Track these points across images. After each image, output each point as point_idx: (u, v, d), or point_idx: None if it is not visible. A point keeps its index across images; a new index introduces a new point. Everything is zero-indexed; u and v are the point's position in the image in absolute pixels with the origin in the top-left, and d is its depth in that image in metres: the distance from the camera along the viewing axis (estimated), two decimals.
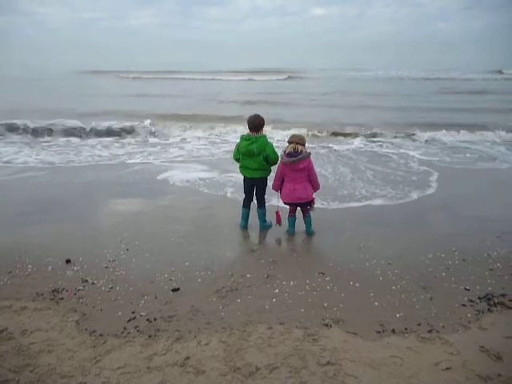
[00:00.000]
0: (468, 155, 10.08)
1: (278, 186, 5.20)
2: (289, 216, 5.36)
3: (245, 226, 5.57)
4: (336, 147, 10.93)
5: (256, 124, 5.06)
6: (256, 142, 5.01)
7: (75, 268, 4.45)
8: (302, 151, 4.92)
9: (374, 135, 12.45)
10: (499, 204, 6.49)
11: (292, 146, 4.95)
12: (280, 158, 5.05)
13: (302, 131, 11.99)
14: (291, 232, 5.38)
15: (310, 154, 4.99)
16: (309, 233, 5.35)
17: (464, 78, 37.05)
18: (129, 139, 12.19)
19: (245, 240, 5.32)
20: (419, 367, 2.92)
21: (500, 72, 44.22)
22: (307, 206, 5.21)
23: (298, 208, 5.31)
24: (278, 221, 5.35)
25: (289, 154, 4.94)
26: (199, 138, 12.23)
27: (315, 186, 5.15)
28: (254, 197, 5.47)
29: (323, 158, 9.75)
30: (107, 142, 11.79)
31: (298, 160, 4.87)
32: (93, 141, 11.93)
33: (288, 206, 5.34)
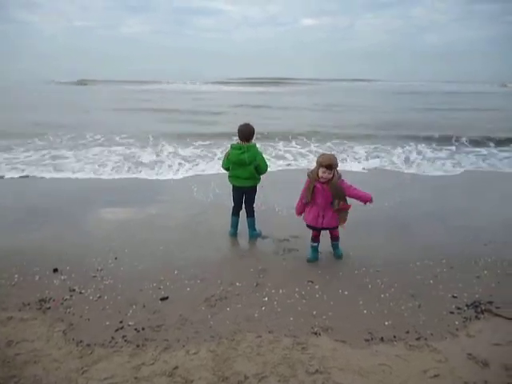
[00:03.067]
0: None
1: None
2: (314, 240, 4.89)
3: (234, 233, 5.56)
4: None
5: (246, 133, 5.08)
6: (247, 152, 5.02)
7: (62, 277, 4.40)
8: (333, 176, 4.40)
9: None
10: (486, 213, 6.57)
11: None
12: (309, 179, 4.51)
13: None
14: (313, 258, 4.88)
15: (340, 175, 4.50)
16: (339, 256, 4.93)
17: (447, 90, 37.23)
18: None
19: (234, 248, 5.31)
20: (408, 375, 2.93)
21: (504, 85, 43.10)
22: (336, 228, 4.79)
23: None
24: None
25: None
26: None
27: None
28: (243, 205, 5.47)
29: None
30: None
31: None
32: None
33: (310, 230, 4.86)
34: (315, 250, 4.90)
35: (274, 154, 10.98)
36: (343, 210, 4.58)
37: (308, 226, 4.80)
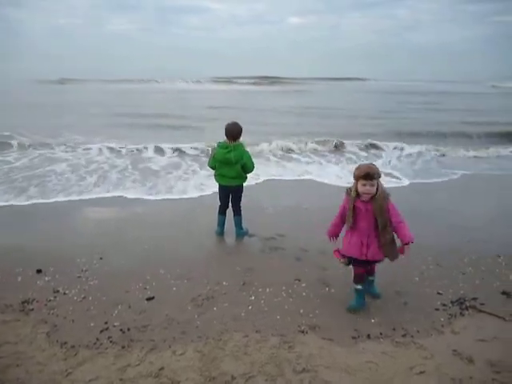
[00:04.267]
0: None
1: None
2: (358, 280, 3.83)
3: (221, 232, 5.54)
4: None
5: (234, 132, 5.05)
6: (234, 151, 5.00)
7: (46, 278, 4.32)
8: (379, 188, 3.50)
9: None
10: (469, 211, 6.65)
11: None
12: (348, 197, 3.63)
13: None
14: (359, 305, 3.83)
15: (388, 194, 3.59)
16: (376, 294, 4.02)
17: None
18: None
19: (221, 247, 5.29)
20: (394, 372, 2.94)
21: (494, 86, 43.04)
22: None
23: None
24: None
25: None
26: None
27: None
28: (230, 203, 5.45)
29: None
30: None
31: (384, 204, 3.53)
32: None
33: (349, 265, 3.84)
34: (361, 295, 3.83)
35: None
36: (398, 254, 3.64)
37: (349, 258, 3.74)
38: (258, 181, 8.11)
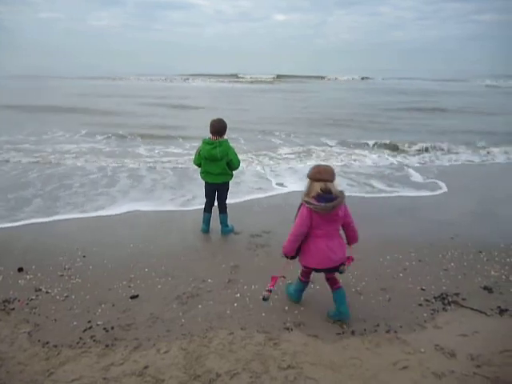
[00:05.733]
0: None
1: (295, 247, 3.50)
2: (304, 281, 3.81)
3: (206, 230, 5.52)
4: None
5: (219, 128, 5.03)
6: (219, 147, 4.98)
7: (28, 277, 4.25)
8: (335, 192, 3.34)
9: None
10: (454, 207, 6.74)
11: (321, 184, 3.32)
12: (304, 202, 3.37)
13: None
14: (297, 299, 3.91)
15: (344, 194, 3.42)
16: (346, 314, 3.60)
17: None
18: None
19: (206, 245, 5.27)
20: (378, 368, 2.97)
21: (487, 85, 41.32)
22: (338, 270, 3.55)
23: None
24: (272, 285, 3.59)
25: (320, 198, 3.30)
26: None
27: (356, 238, 3.63)
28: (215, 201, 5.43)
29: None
30: None
31: (337, 205, 3.33)
32: None
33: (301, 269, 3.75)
34: (301, 293, 3.88)
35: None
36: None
37: (313, 269, 3.60)
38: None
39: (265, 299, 3.60)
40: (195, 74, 49.05)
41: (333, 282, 3.64)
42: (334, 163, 9.50)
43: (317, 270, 3.59)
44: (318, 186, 3.32)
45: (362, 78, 50.21)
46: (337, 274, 3.61)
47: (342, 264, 3.50)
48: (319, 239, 3.42)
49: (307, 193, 3.38)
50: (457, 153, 11.18)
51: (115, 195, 7.00)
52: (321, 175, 3.34)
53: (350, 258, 3.56)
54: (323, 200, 3.28)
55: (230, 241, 5.34)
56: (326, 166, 3.51)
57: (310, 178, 3.39)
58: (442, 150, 11.46)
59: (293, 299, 3.89)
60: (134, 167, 8.99)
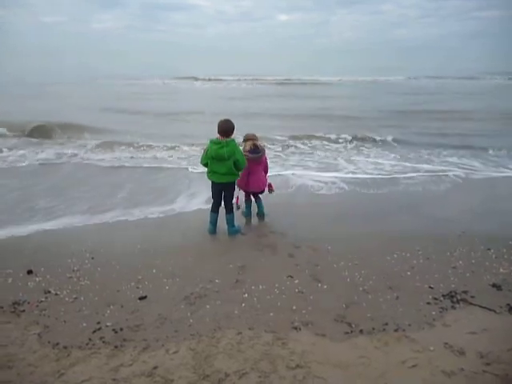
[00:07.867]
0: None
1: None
2: (247, 200, 6.07)
3: (213, 230, 5.53)
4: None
5: (226, 128, 5.10)
6: (226, 146, 5.02)
7: (37, 279, 4.29)
8: (259, 147, 5.63)
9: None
10: (459, 205, 6.71)
11: (250, 143, 5.60)
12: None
13: None
14: (248, 214, 6.09)
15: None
16: (262, 214, 6.00)
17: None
18: None
19: (213, 245, 5.28)
20: (387, 366, 2.96)
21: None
22: (262, 192, 5.91)
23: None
24: (237, 202, 5.71)
25: (251, 151, 5.54)
26: None
27: (267, 172, 6.02)
28: (222, 201, 5.44)
29: None
30: None
31: (261, 155, 5.64)
32: None
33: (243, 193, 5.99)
34: (249, 207, 6.13)
35: None
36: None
37: (246, 191, 5.90)
38: None
39: (238, 208, 5.74)
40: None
41: (257, 198, 5.97)
42: None
43: (250, 192, 5.89)
44: (248, 144, 5.63)
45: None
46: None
47: (270, 189, 6.00)
48: (251, 175, 5.66)
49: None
50: None
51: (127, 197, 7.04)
52: (248, 136, 5.70)
53: (270, 185, 5.97)
54: (254, 152, 5.57)
55: (237, 241, 5.35)
56: (251, 132, 5.79)
57: (244, 140, 5.74)
58: None
59: (248, 216, 6.07)
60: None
